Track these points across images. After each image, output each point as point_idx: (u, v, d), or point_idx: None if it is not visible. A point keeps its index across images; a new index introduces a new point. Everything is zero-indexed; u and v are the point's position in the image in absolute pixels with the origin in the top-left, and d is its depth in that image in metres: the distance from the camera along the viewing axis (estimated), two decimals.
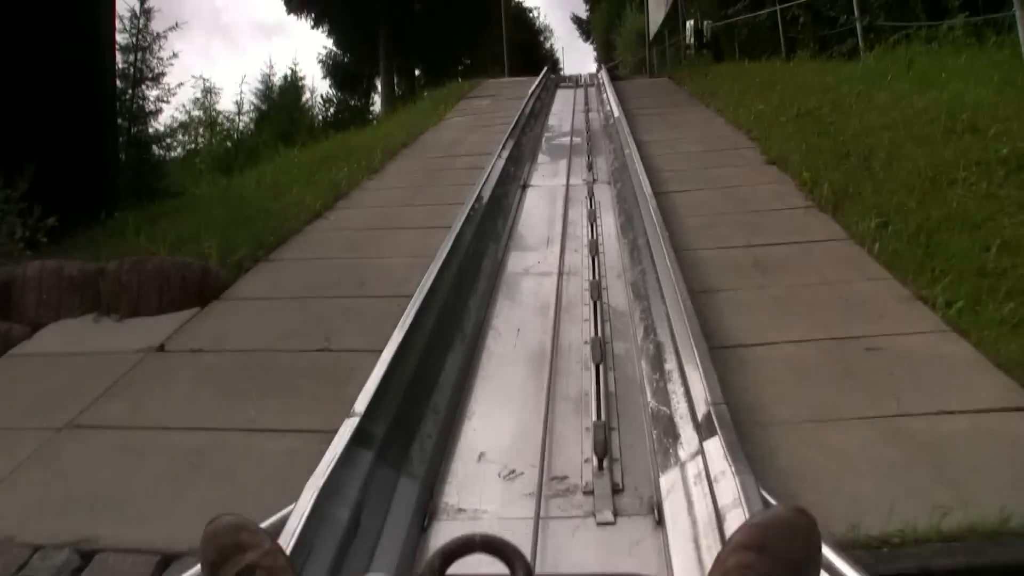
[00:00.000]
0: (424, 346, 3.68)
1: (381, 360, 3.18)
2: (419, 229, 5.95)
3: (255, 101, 34.89)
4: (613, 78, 14.85)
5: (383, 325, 3.67)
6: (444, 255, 4.81)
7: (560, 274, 5.08)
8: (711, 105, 10.04)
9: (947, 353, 3.42)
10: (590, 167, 7.88)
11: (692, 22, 16.61)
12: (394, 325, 3.53)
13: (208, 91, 27.55)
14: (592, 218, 6.19)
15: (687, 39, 16.98)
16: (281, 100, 37.72)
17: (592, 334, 4.05)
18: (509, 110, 10.77)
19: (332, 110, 36.32)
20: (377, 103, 34.75)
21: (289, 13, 28.71)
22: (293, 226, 6.23)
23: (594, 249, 5.46)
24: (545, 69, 16.23)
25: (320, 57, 33.33)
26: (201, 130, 29.01)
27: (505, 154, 7.98)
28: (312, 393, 3.52)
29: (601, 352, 3.79)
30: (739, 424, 2.69)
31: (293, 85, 37.25)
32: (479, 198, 6.31)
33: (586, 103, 12.44)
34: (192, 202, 8.51)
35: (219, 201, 7.86)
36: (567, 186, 7.36)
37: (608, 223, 6.16)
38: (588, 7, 69.16)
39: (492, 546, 1.10)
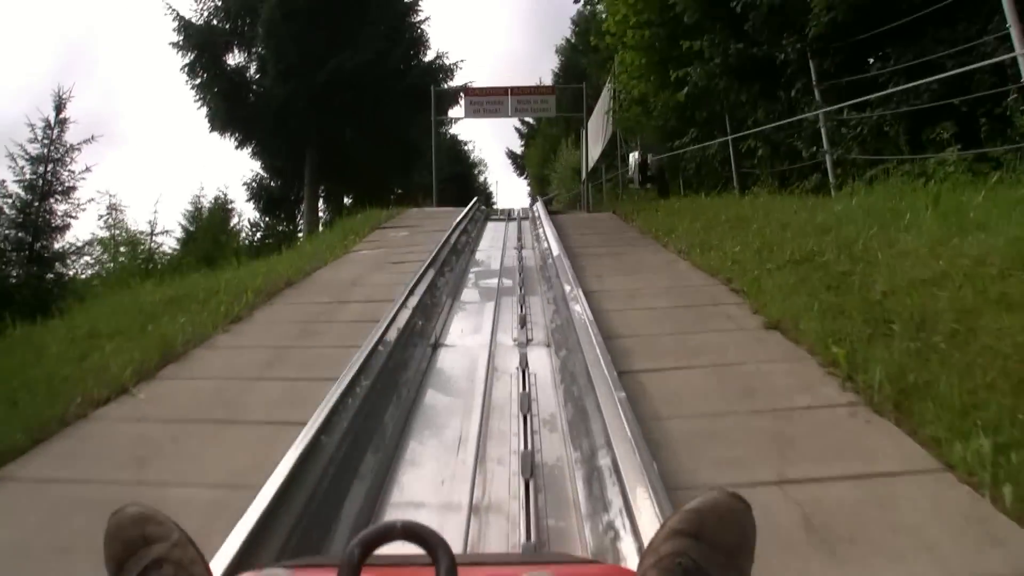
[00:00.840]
0: None
1: None
2: (261, 425, 3.80)
3: (182, 222, 33.60)
4: (550, 211, 13.23)
5: None
6: (277, 488, 2.73)
7: (472, 519, 3.00)
8: (670, 245, 8.28)
9: None
10: (523, 322, 5.88)
11: (636, 154, 15.23)
12: None
13: (113, 208, 25.60)
14: (526, 407, 4.15)
15: (630, 172, 15.57)
16: (208, 221, 36.09)
17: None
18: (428, 244, 8.88)
19: (259, 234, 34.73)
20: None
21: (212, 132, 26.93)
22: (74, 410, 4.04)
23: (529, 469, 3.40)
24: (475, 200, 14.56)
25: (245, 180, 31.67)
26: (123, 249, 27.27)
27: (413, 301, 5.97)
28: None
29: None
30: None
31: (222, 207, 35.81)
32: (363, 370, 4.24)
33: (519, 238, 10.65)
34: None
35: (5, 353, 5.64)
36: (492, 349, 5.36)
37: (549, 414, 4.12)
38: (523, 143, 69.90)
39: (413, 533, 1.02)
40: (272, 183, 31.64)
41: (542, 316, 6.13)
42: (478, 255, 9.43)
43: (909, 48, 9.88)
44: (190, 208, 35.96)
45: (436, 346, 5.57)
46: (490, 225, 13.06)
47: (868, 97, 10.07)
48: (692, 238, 8.07)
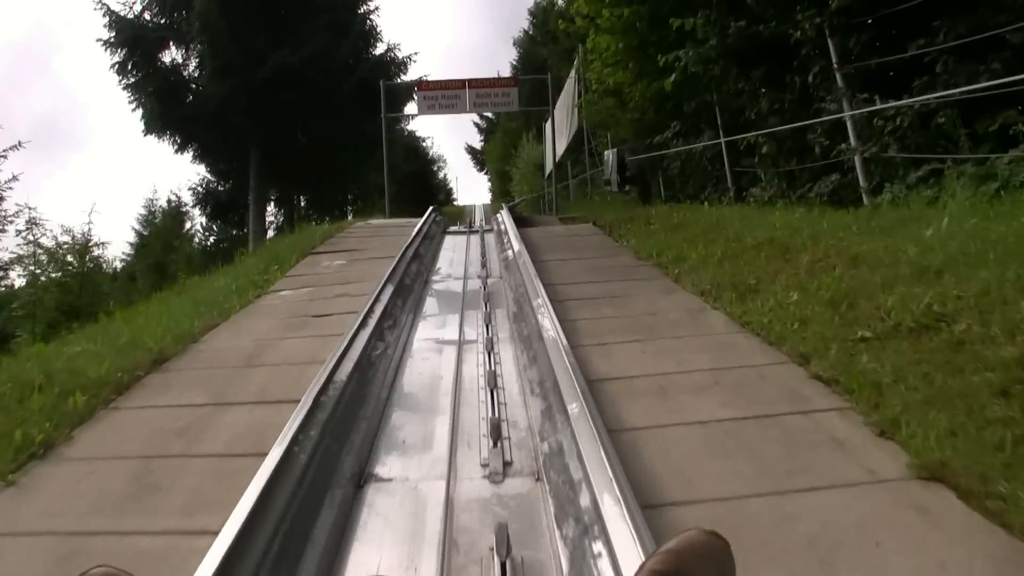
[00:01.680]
0: None
1: None
2: None
3: (136, 227, 32.28)
4: (519, 221, 11.11)
5: None
6: None
7: None
8: (684, 281, 6.15)
9: None
10: (496, 435, 3.76)
11: (613, 153, 13.13)
12: None
13: (32, 223, 23.09)
14: None
15: (606, 173, 13.48)
16: (160, 227, 33.66)
17: None
18: (368, 278, 6.76)
19: (212, 239, 32.34)
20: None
21: (147, 135, 24.34)
22: None
23: None
24: (431, 211, 12.39)
25: (191, 184, 29.18)
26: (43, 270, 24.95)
27: (331, 396, 3.83)
28: None
29: None
30: None
31: (175, 211, 33.40)
32: None
33: (483, 262, 8.47)
34: None
35: None
36: (449, 492, 3.24)
37: None
38: (483, 138, 67.57)
39: None
40: (220, 187, 29.18)
41: (523, 414, 3.99)
42: (432, 296, 7.24)
43: (960, 20, 7.90)
44: (143, 212, 33.89)
45: (362, 483, 3.42)
46: (448, 242, 10.90)
47: (912, 83, 8.07)
48: (716, 272, 5.97)
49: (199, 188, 29.10)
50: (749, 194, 11.48)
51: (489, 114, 61.98)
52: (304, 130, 25.16)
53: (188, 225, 32.93)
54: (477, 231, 11.84)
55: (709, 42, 9.92)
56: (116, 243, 41.37)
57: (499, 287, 7.18)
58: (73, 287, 23.58)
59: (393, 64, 26.18)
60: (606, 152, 13.68)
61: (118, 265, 32.95)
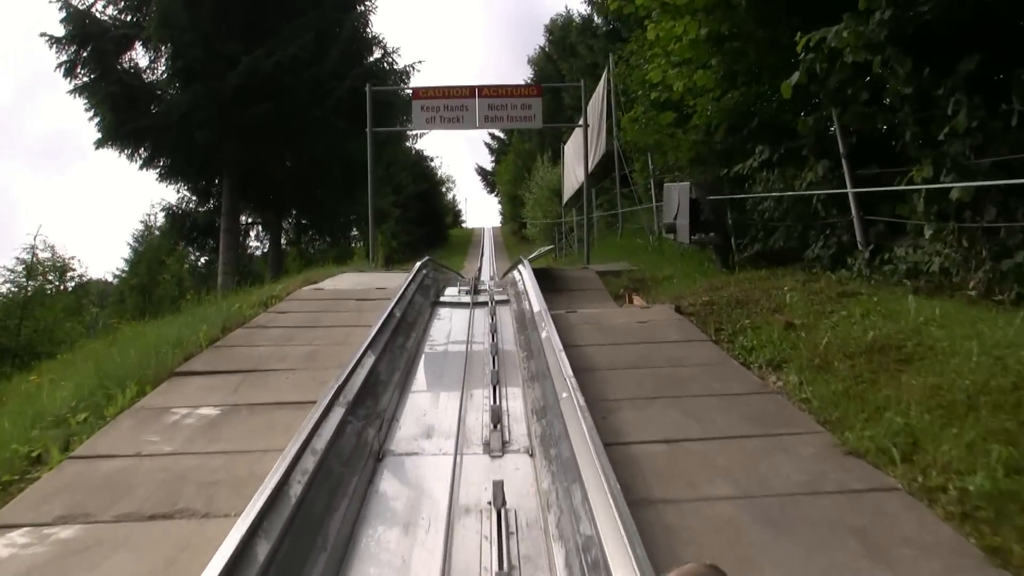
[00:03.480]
0: None
1: None
2: None
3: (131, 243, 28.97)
4: (546, 280, 7.02)
5: None
6: None
7: None
8: (937, 499, 2.15)
9: None
10: None
11: (683, 189, 8.95)
12: None
13: None
14: None
15: (671, 216, 9.29)
16: (149, 244, 30.07)
17: None
18: (237, 481, 2.70)
19: (204, 259, 28.45)
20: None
21: (100, 147, 20.26)
22: None
23: None
24: (419, 268, 8.28)
25: (163, 204, 25.08)
26: None
27: None
28: None
29: None
30: None
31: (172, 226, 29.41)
32: None
33: (497, 409, 4.27)
34: None
35: None
36: None
37: None
38: (493, 158, 63.50)
39: None
40: (198, 208, 25.08)
41: None
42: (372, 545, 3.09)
43: None
44: (140, 227, 30.46)
45: None
46: (437, 329, 6.75)
47: None
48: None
49: (175, 209, 25.06)
50: (894, 259, 7.29)
51: (499, 132, 58.19)
52: (285, 146, 21.11)
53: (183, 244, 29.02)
54: (485, 300, 7.69)
55: (883, 12, 5.74)
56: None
57: (532, 511, 3.02)
58: (10, 326, 19.66)
59: (393, 74, 22.11)
60: (670, 186, 9.50)
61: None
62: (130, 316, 16.05)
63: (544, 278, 7.90)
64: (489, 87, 13.25)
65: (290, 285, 8.69)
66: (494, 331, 6.16)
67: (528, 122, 13.39)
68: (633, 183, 17.31)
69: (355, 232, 36.60)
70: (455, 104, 13.19)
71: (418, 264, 8.58)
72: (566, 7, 60.86)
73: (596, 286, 9.03)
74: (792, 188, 8.76)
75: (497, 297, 7.84)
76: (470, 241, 55.21)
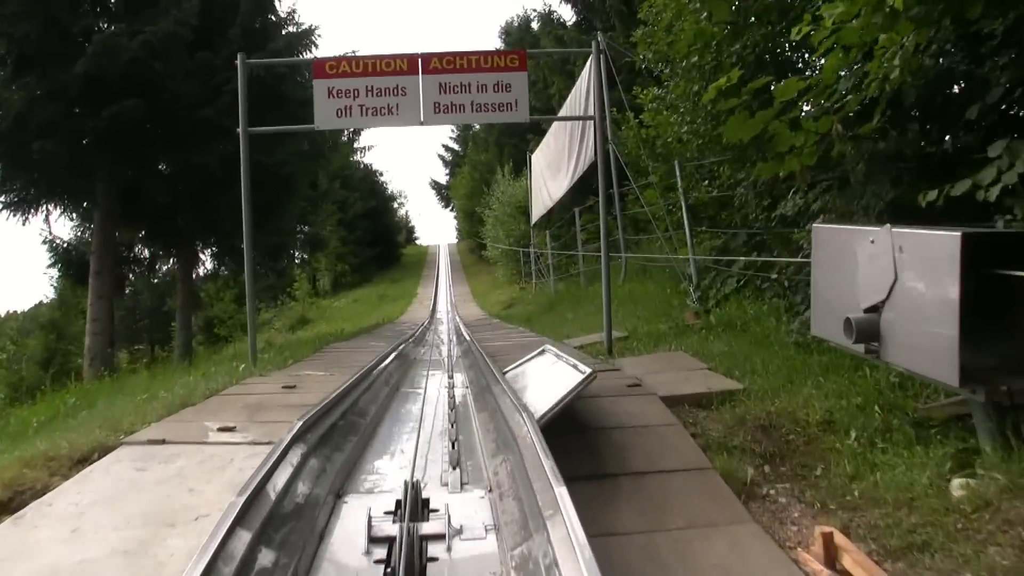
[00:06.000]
0: None
1: None
2: None
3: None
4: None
5: None
6: None
7: None
8: None
9: None
10: None
11: (919, 241, 3.54)
12: None
13: None
14: None
15: (873, 299, 3.87)
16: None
17: None
18: None
19: None
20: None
21: None
22: None
23: None
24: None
25: (46, 236, 18.85)
26: None
27: None
28: None
29: None
30: None
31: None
32: None
33: None
34: None
35: None
36: None
37: None
38: (447, 171, 57.83)
39: None
40: (88, 239, 18.94)
41: None
42: None
43: None
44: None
45: None
46: None
47: None
48: None
49: (67, 246, 18.92)
50: None
51: (453, 143, 52.79)
52: (165, 158, 15.41)
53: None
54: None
55: None
56: None
57: None
58: None
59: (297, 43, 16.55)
60: (861, 232, 4.02)
61: None
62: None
63: (561, 430, 2.59)
64: (441, 55, 7.79)
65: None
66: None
67: (507, 112, 7.86)
68: (645, 203, 11.94)
69: (299, 256, 30.97)
70: (386, 85, 7.74)
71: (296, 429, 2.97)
72: (523, 7, 55.80)
73: (682, 456, 3.61)
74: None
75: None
76: (424, 262, 49.86)
